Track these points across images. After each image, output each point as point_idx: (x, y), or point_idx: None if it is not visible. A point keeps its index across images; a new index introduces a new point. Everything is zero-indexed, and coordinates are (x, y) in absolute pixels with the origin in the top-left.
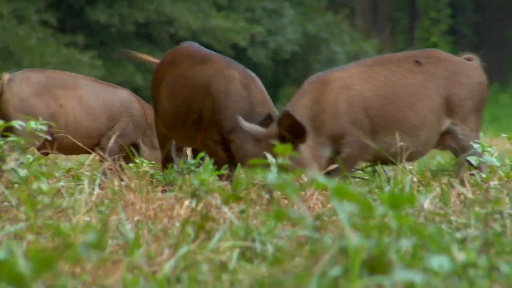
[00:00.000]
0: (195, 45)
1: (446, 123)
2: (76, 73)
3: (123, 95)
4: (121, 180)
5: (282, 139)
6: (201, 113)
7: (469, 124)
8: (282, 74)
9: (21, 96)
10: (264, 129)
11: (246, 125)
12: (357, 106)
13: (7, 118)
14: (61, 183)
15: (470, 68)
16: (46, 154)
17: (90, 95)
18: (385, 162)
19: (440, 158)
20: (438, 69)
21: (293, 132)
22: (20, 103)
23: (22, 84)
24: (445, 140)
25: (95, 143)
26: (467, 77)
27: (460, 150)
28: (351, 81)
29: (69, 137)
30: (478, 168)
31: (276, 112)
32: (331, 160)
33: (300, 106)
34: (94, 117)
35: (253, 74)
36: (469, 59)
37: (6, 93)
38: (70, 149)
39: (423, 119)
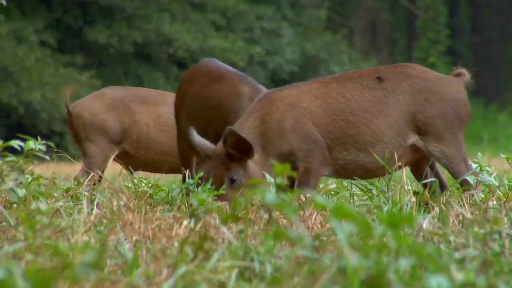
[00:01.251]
0: (214, 62)
1: (412, 139)
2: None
3: None
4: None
5: (230, 157)
6: (217, 133)
7: (446, 142)
8: None
9: (91, 111)
10: (213, 145)
11: (196, 140)
12: (306, 123)
13: (77, 133)
14: (60, 203)
15: (443, 85)
16: (130, 171)
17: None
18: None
19: None
20: (402, 85)
21: (239, 149)
22: (90, 117)
23: (95, 99)
24: (417, 154)
25: (177, 162)
26: (437, 94)
27: (445, 167)
28: (299, 99)
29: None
30: (471, 185)
31: None
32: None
33: (247, 124)
34: (171, 134)
35: (263, 88)
36: (458, 75)
37: (76, 108)
38: (148, 166)
39: (379, 134)
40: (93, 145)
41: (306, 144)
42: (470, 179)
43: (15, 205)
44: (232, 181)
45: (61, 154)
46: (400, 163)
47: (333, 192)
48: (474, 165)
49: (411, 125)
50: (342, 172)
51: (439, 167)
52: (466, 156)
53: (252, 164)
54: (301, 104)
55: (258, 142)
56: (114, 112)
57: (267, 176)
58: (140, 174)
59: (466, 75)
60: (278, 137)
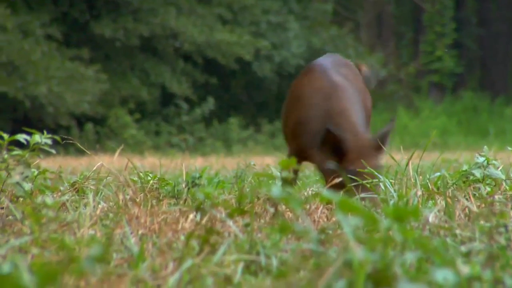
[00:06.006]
0: (326, 57)
1: None
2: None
3: None
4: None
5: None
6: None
7: None
8: (286, 88)
9: None
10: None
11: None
12: None
13: None
14: (66, 197)
15: None
16: None
17: None
18: None
19: (445, 171)
20: None
21: None
22: None
23: None
24: None
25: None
26: None
27: None
28: None
29: None
30: None
31: (355, 123)
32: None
33: None
34: None
35: (341, 83)
36: None
37: None
38: None
39: None
40: None
41: None
42: (477, 172)
43: (21, 199)
44: None
45: (71, 141)
46: None
47: None
48: (480, 159)
49: None
50: None
51: None
52: None
53: None
54: None
55: None
56: None
57: (273, 169)
58: (146, 168)
59: None
60: None
